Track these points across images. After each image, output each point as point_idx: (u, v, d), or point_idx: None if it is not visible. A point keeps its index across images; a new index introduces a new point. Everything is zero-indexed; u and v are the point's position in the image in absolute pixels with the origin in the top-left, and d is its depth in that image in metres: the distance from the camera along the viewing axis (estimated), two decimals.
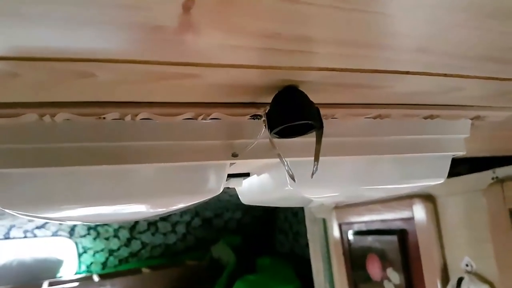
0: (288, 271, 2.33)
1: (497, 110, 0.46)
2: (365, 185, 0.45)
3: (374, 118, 0.43)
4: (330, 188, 0.44)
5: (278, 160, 0.43)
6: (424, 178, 0.48)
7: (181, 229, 2.70)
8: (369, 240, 1.54)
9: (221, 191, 0.41)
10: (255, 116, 0.39)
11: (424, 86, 0.37)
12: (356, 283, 1.54)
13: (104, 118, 0.34)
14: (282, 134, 0.35)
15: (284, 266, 2.40)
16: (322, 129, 0.33)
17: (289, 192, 0.45)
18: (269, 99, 0.36)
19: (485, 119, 0.47)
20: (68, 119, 0.34)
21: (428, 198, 1.20)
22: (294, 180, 0.31)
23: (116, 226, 2.46)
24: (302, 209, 2.44)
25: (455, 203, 1.13)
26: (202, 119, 0.37)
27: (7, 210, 0.35)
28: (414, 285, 1.27)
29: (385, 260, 1.40)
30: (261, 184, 0.50)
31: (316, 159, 0.33)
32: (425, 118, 0.45)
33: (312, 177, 0.33)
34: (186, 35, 0.24)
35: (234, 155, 0.39)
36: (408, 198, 1.23)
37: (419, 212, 1.22)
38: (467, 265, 1.11)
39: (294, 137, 0.36)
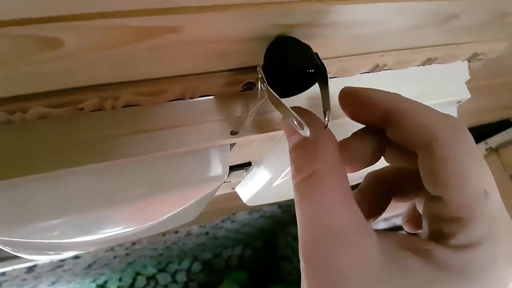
0: None
1: (493, 43, 0.44)
2: None
3: (371, 71, 0.40)
4: None
5: (280, 135, 0.39)
6: None
7: (181, 277, 2.58)
8: None
9: (226, 177, 0.37)
10: (248, 86, 0.35)
11: (420, 16, 0.34)
12: None
13: (82, 109, 0.30)
14: (282, 92, 0.32)
15: None
16: (326, 71, 0.30)
17: None
18: (260, 61, 0.32)
19: (482, 56, 0.45)
20: (41, 118, 0.30)
21: None
22: (306, 133, 0.27)
23: (114, 287, 2.33)
24: None
25: None
26: (190, 97, 0.34)
27: None
28: None
29: None
30: (265, 173, 0.46)
31: (327, 106, 0.29)
32: (423, 63, 0.43)
33: (325, 128, 0.29)
34: None
35: (234, 133, 0.35)
36: None
37: None
38: None
39: (297, 94, 0.32)
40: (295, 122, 0.30)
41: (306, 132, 0.29)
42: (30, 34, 0.22)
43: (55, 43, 0.23)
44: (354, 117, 0.30)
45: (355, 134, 0.30)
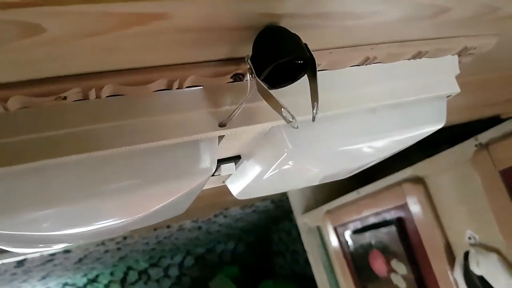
0: None
1: (484, 37, 0.44)
2: (369, 139, 0.42)
3: (361, 64, 0.40)
4: (331, 148, 0.40)
5: (268, 129, 0.39)
6: (425, 123, 0.45)
7: (174, 272, 2.59)
8: (368, 236, 1.50)
9: (214, 170, 0.37)
10: (236, 77, 0.35)
11: (411, 8, 0.34)
12: (363, 285, 1.48)
13: (65, 98, 0.29)
14: (271, 83, 0.31)
15: (288, 286, 2.33)
16: (315, 63, 0.29)
17: (287, 164, 0.41)
18: (249, 51, 0.32)
19: (473, 51, 0.45)
20: (24, 107, 0.29)
21: (417, 180, 1.18)
22: (295, 124, 0.27)
23: (106, 282, 2.33)
24: (295, 226, 2.39)
25: (445, 180, 1.11)
26: (177, 88, 0.33)
27: None
28: (422, 270, 1.23)
29: (387, 253, 1.36)
30: (254, 167, 0.45)
31: (315, 98, 0.29)
32: (414, 57, 0.42)
33: (313, 120, 0.29)
34: None
35: (222, 125, 0.35)
36: (397, 185, 1.21)
37: (411, 196, 1.20)
38: (470, 238, 1.09)
39: (285, 85, 0.32)
40: (284, 113, 0.29)
41: (295, 123, 0.28)
42: (10, 19, 0.22)
43: (36, 29, 0.23)
44: None
45: None
